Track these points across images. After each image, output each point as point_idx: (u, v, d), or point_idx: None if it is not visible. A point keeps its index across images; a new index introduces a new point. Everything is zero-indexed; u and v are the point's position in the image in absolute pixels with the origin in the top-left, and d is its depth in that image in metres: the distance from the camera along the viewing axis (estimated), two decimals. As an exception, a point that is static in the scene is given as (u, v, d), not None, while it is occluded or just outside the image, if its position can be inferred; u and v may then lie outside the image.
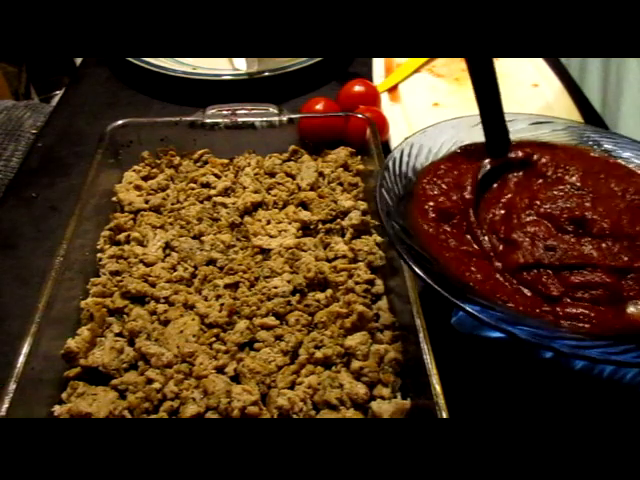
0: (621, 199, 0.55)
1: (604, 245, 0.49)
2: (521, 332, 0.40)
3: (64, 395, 0.50)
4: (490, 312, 0.42)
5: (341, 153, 0.74)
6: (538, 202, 0.53)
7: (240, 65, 0.95)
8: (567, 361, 0.44)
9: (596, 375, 0.43)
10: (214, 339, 0.54)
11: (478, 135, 0.60)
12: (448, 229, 0.52)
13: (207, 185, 0.71)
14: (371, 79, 0.94)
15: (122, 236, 0.64)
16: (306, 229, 0.66)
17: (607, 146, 0.61)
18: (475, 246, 0.51)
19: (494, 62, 0.55)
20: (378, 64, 0.97)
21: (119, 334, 0.55)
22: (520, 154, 0.58)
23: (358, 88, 0.84)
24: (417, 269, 0.45)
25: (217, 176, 0.72)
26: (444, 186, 0.56)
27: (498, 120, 0.57)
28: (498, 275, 0.48)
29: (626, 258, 0.47)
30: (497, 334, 0.41)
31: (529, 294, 0.46)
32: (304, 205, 0.68)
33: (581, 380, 0.44)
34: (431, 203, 0.54)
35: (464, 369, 0.52)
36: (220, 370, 0.52)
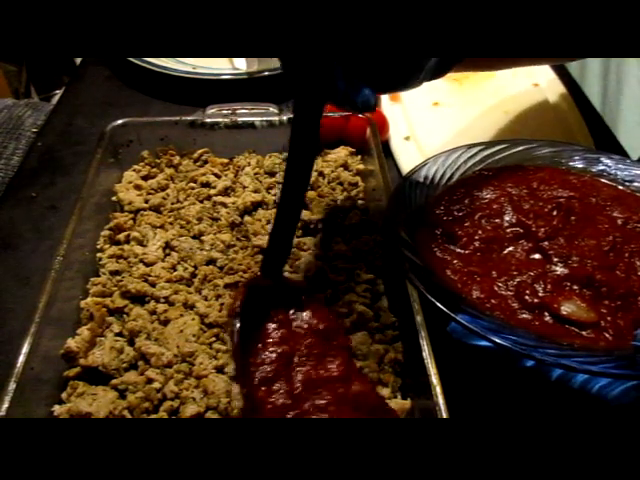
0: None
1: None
2: (504, 341, 0.43)
3: (64, 395, 0.50)
4: (478, 322, 0.45)
5: (341, 153, 0.74)
6: None
7: (240, 65, 0.95)
8: (546, 370, 0.47)
9: (569, 385, 0.46)
10: (214, 339, 0.54)
11: (490, 159, 0.62)
12: (455, 250, 0.54)
13: (207, 185, 0.71)
14: (371, 78, 0.93)
15: (122, 236, 0.64)
16: (306, 228, 0.66)
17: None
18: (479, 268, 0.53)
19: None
20: (378, 63, 0.97)
21: (119, 334, 0.55)
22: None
23: (358, 87, 0.84)
24: (413, 278, 0.48)
25: (217, 176, 0.72)
26: (456, 213, 0.57)
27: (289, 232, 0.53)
28: (498, 292, 0.51)
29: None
30: (485, 342, 0.44)
31: (521, 308, 0.49)
32: (304, 204, 0.68)
33: (557, 389, 0.48)
34: (440, 228, 0.56)
35: (464, 369, 0.53)
36: (220, 370, 0.52)
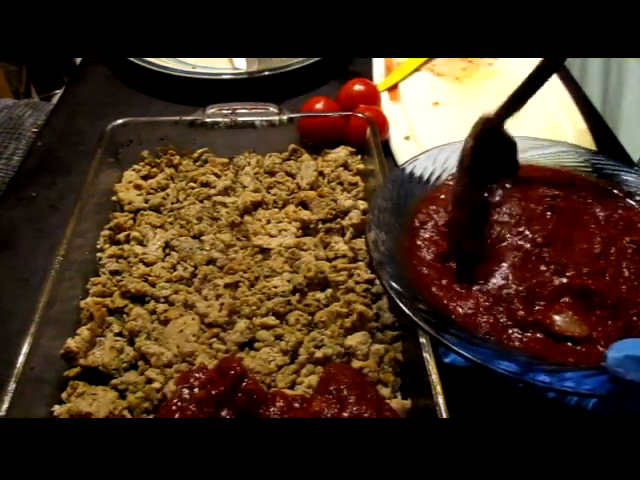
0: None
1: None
2: (497, 367, 0.42)
3: (64, 395, 0.50)
4: (469, 347, 0.43)
5: (341, 152, 0.74)
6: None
7: (240, 64, 0.95)
8: (540, 391, 0.46)
9: (565, 403, 0.46)
10: (214, 339, 0.54)
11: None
12: (439, 265, 0.52)
13: (207, 184, 0.71)
14: (371, 78, 0.93)
15: (122, 235, 0.64)
16: (306, 228, 0.66)
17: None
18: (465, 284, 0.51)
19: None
20: (378, 63, 0.97)
21: (119, 334, 0.55)
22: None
23: (358, 87, 0.84)
24: (399, 303, 0.46)
25: (217, 175, 0.72)
26: (438, 221, 0.55)
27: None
28: (487, 309, 0.48)
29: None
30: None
31: (510, 329, 0.47)
32: (304, 204, 0.68)
33: (553, 407, 0.47)
34: (424, 240, 0.54)
35: (463, 370, 0.52)
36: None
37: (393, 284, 0.47)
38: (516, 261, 0.52)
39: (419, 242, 0.54)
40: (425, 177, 0.59)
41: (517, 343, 0.46)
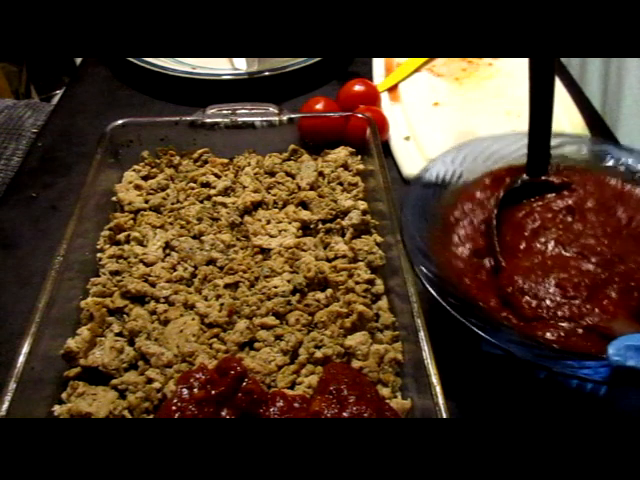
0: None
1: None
2: (524, 353, 0.43)
3: (64, 395, 0.50)
4: (495, 333, 0.44)
5: (341, 153, 0.74)
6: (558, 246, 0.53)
7: (240, 65, 0.95)
8: (563, 379, 0.47)
9: (583, 391, 0.47)
10: (214, 339, 0.54)
11: (498, 159, 0.61)
12: (475, 261, 0.52)
13: (207, 185, 0.71)
14: (371, 78, 0.94)
15: (122, 236, 0.64)
16: (306, 229, 0.66)
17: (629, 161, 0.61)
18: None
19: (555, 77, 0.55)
20: (378, 64, 0.97)
21: (119, 334, 0.55)
22: (557, 180, 0.58)
23: (358, 88, 0.84)
24: (429, 287, 0.47)
25: (217, 176, 0.72)
26: (474, 220, 0.56)
27: (545, 139, 0.58)
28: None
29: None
30: (499, 351, 0.43)
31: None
32: (304, 205, 0.68)
33: (571, 395, 0.48)
34: (462, 236, 0.55)
35: (463, 370, 0.53)
36: (220, 370, 0.52)
37: (427, 274, 0.48)
38: (546, 259, 0.52)
39: (455, 238, 0.55)
40: (449, 177, 0.59)
41: (554, 337, 0.46)
